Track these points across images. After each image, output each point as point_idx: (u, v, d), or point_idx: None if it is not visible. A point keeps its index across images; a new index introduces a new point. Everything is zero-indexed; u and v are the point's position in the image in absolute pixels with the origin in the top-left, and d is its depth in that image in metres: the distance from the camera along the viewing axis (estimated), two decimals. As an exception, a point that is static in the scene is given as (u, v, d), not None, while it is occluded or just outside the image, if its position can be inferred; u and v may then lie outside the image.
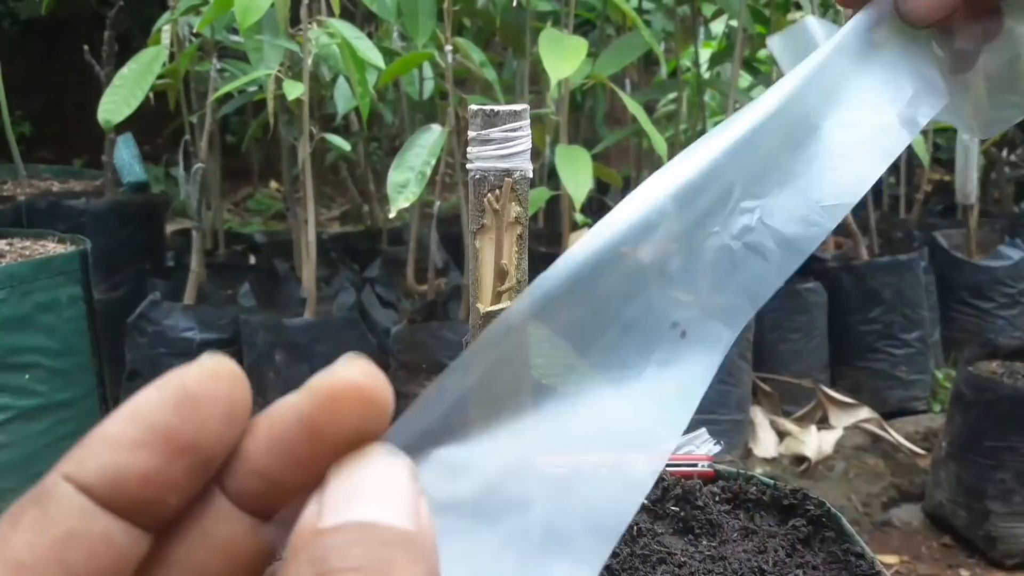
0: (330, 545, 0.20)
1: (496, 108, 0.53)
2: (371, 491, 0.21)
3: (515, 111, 0.53)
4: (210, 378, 0.22)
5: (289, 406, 0.23)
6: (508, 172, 0.54)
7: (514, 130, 0.53)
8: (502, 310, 0.56)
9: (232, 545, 0.23)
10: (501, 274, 0.56)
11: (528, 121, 0.54)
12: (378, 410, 0.23)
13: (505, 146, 0.53)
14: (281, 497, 0.23)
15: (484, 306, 0.56)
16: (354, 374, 0.22)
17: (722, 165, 0.31)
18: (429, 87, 2.19)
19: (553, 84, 1.65)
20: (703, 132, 2.60)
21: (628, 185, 2.56)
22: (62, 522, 0.20)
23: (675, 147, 2.23)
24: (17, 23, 4.14)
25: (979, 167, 2.63)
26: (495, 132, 0.53)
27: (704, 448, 0.82)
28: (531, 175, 0.56)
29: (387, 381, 0.23)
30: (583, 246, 0.27)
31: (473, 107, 0.53)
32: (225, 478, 0.23)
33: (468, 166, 0.55)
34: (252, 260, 2.71)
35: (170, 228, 3.01)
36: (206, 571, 0.23)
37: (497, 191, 0.54)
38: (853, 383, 2.45)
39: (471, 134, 0.54)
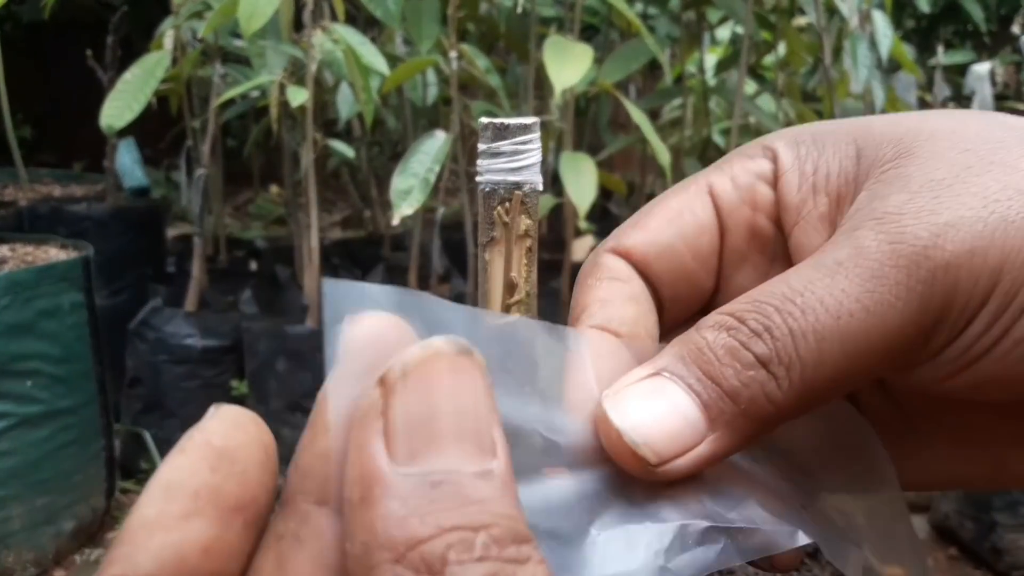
0: (416, 498, 0.18)
1: (506, 121, 0.52)
2: (448, 425, 0.19)
3: (525, 124, 0.52)
4: (234, 428, 0.20)
5: None
6: (518, 185, 0.53)
7: (524, 143, 0.52)
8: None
9: None
10: (510, 287, 0.55)
11: (539, 134, 0.53)
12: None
13: (515, 159, 0.52)
14: None
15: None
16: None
17: None
18: (433, 93, 2.18)
19: (558, 92, 1.64)
20: (708, 138, 2.60)
21: (632, 191, 2.55)
22: None
23: (680, 154, 2.22)
24: (19, 26, 4.14)
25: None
26: (505, 145, 0.52)
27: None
28: (541, 188, 0.55)
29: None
30: None
31: (483, 120, 0.52)
32: None
33: (477, 179, 0.54)
34: (253, 266, 2.70)
35: (171, 233, 3.00)
36: None
37: (507, 204, 0.53)
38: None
39: (481, 147, 0.53)
